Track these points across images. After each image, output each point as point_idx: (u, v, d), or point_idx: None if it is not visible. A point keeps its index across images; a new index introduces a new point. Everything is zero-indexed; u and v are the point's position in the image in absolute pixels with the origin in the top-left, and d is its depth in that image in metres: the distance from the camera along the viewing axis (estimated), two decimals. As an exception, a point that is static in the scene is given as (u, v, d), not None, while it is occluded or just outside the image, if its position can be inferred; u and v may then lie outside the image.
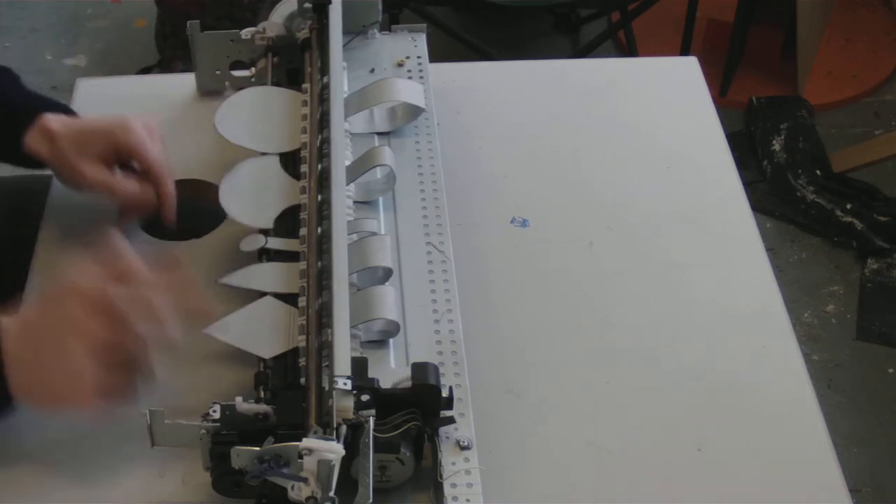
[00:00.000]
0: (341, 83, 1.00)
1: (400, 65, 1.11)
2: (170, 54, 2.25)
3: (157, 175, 0.96)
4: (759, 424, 0.89)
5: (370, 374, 0.79)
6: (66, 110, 1.01)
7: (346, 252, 0.86)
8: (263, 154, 0.99)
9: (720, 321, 0.97)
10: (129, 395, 0.82)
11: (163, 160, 0.97)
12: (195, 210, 1.03)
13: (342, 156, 0.94)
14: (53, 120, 0.97)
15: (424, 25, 1.16)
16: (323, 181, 0.93)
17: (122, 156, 0.97)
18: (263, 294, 0.88)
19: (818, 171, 2.25)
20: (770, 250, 2.06)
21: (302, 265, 0.88)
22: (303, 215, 0.92)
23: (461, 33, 2.22)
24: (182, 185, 1.04)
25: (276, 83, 1.06)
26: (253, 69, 1.09)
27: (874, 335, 1.99)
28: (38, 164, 0.99)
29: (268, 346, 0.85)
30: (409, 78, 1.09)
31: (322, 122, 0.97)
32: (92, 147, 0.96)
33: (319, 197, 0.92)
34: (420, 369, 0.79)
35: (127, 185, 0.96)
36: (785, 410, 0.90)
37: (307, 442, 0.72)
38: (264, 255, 0.91)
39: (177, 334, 0.82)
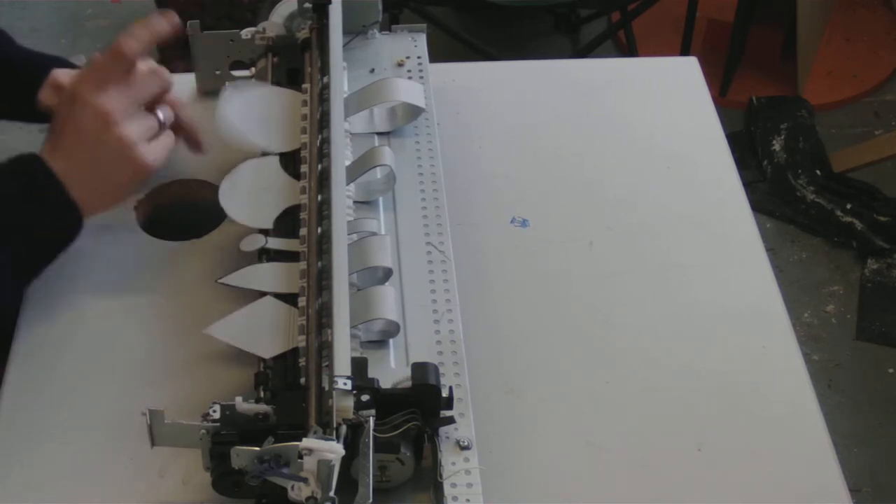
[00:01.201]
0: (341, 83, 1.00)
1: (400, 65, 1.11)
2: (170, 54, 2.25)
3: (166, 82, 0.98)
4: (759, 424, 0.89)
5: (370, 374, 0.79)
6: (71, 65, 1.04)
7: (346, 252, 0.86)
8: (263, 154, 0.99)
9: (720, 321, 0.97)
10: (169, 134, 0.95)
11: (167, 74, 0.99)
12: (195, 210, 1.03)
13: (342, 156, 0.94)
14: (63, 74, 1.02)
15: (424, 25, 1.16)
16: (323, 181, 0.93)
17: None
18: (263, 294, 0.88)
19: (818, 171, 2.25)
20: (770, 250, 2.06)
21: (302, 265, 0.88)
22: (303, 215, 0.92)
23: (461, 33, 2.23)
24: (182, 185, 1.04)
25: (276, 83, 1.06)
26: (253, 69, 1.09)
27: (874, 335, 1.99)
28: (50, 118, 1.00)
29: (268, 346, 0.85)
30: (409, 78, 1.09)
31: (322, 122, 0.97)
32: None
33: (319, 197, 0.92)
34: (420, 369, 0.79)
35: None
36: (785, 410, 0.90)
37: (307, 442, 0.72)
38: (264, 255, 0.91)
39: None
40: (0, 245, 0.88)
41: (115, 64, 0.92)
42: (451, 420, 0.80)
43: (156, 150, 0.93)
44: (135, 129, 0.92)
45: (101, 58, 0.92)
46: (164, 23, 0.94)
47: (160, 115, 0.95)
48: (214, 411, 0.76)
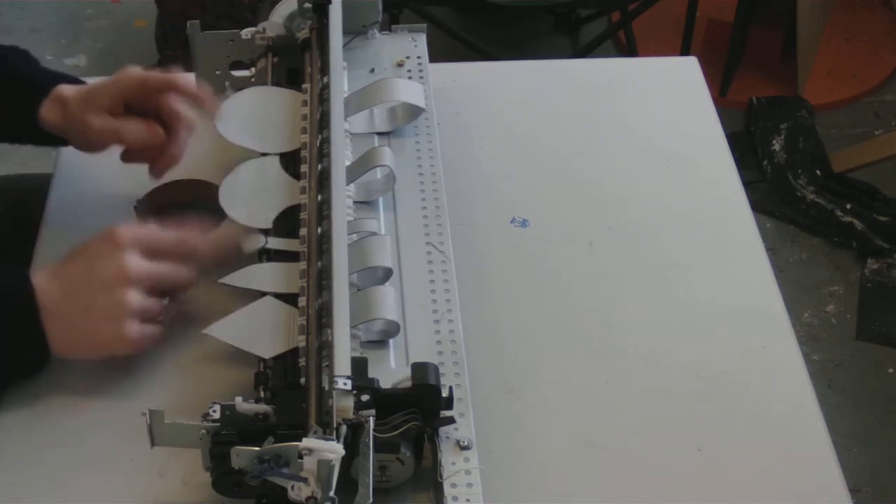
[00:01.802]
0: (341, 83, 1.00)
1: (400, 65, 1.11)
2: (170, 54, 2.25)
3: (165, 85, 0.97)
4: (759, 424, 0.89)
5: (370, 374, 0.79)
6: (79, 82, 1.02)
7: (346, 252, 0.86)
8: (263, 154, 0.99)
9: (720, 321, 0.97)
10: (161, 327, 0.89)
11: (171, 76, 0.97)
12: (195, 210, 1.03)
13: (342, 156, 0.94)
14: (66, 88, 0.99)
15: (424, 25, 1.16)
16: (323, 181, 0.93)
17: (130, 102, 0.98)
18: (263, 294, 0.88)
19: (818, 171, 2.25)
20: (770, 250, 2.05)
21: (302, 265, 0.88)
22: (303, 215, 0.92)
23: (461, 33, 2.22)
24: (182, 185, 1.04)
25: (276, 83, 1.06)
26: (253, 69, 1.09)
27: (874, 335, 1.99)
28: (56, 140, 1.00)
29: (268, 346, 0.85)
30: (409, 78, 1.09)
31: (322, 122, 0.97)
32: (97, 100, 0.97)
33: (319, 197, 0.92)
34: (420, 369, 0.79)
35: (132, 125, 0.97)
36: (785, 410, 0.90)
37: (307, 442, 0.72)
38: (264, 255, 0.91)
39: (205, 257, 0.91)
40: None
41: (173, 246, 0.90)
42: (451, 420, 0.80)
43: (144, 332, 0.87)
44: (140, 301, 0.86)
45: (168, 234, 0.89)
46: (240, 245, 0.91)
47: (164, 302, 0.90)
48: (214, 411, 0.76)
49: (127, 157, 0.99)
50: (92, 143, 0.99)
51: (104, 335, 0.86)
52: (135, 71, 0.98)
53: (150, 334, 0.88)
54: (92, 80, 1.13)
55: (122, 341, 0.86)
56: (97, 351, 0.87)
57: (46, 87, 0.99)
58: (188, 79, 0.99)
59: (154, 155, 0.98)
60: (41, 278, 0.86)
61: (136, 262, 0.86)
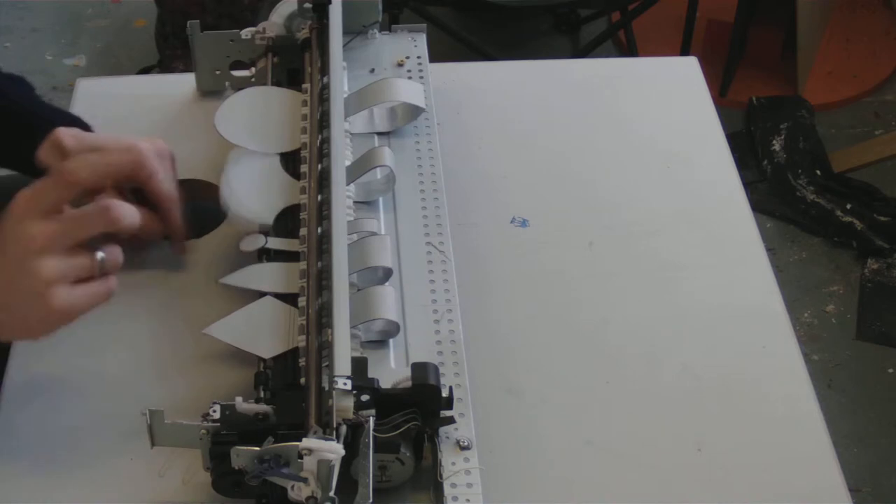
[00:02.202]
0: (341, 83, 1.00)
1: (400, 65, 1.11)
2: (170, 54, 2.25)
3: (165, 206, 0.94)
4: (759, 424, 0.89)
5: (370, 374, 0.79)
6: (80, 123, 1.00)
7: (346, 252, 0.86)
8: (263, 154, 0.99)
9: (720, 321, 0.97)
10: (106, 282, 0.83)
11: (172, 190, 0.94)
12: (195, 210, 1.03)
13: (342, 156, 0.94)
14: (66, 135, 0.93)
15: (424, 25, 1.15)
16: (323, 181, 0.93)
17: (132, 181, 0.94)
18: (263, 294, 0.88)
19: (818, 171, 2.25)
20: (770, 250, 2.06)
21: (302, 265, 0.88)
22: (303, 215, 0.92)
23: (461, 33, 2.23)
24: (182, 185, 1.04)
25: (276, 83, 1.06)
26: (253, 69, 1.09)
27: (874, 335, 1.99)
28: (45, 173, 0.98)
29: (268, 346, 0.85)
30: (409, 78, 1.09)
31: (322, 122, 0.97)
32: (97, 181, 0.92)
33: (319, 197, 0.92)
34: (420, 369, 0.79)
35: (128, 211, 0.91)
36: (785, 410, 0.90)
37: (307, 442, 0.72)
38: (264, 255, 0.91)
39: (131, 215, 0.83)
40: None
41: (57, 189, 0.82)
42: (451, 420, 0.80)
43: (76, 296, 0.81)
44: (56, 266, 0.79)
45: (45, 181, 0.82)
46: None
47: (98, 255, 0.83)
48: (214, 411, 0.76)
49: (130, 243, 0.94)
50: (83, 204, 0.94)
51: (34, 313, 0.80)
52: (136, 155, 0.92)
53: (93, 292, 0.82)
54: (82, 83, 1.13)
55: (55, 314, 0.80)
56: (36, 331, 0.82)
57: (46, 127, 0.94)
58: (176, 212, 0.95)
59: (149, 239, 0.96)
60: None
61: (37, 228, 0.79)
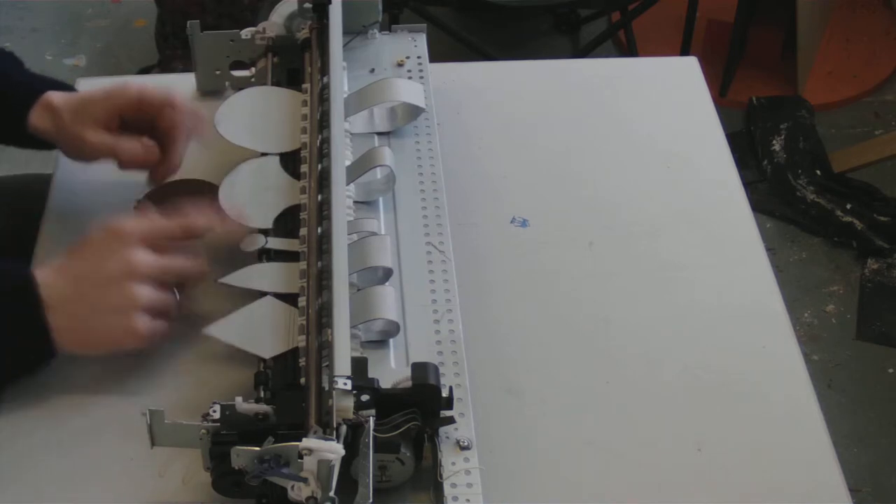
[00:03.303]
0: (341, 83, 1.00)
1: (400, 65, 1.11)
2: (170, 54, 2.25)
3: (164, 103, 0.97)
4: (759, 424, 0.89)
5: (370, 374, 0.79)
6: (69, 88, 1.02)
7: (346, 252, 0.86)
8: (263, 154, 0.99)
9: (720, 321, 0.97)
10: (171, 320, 0.88)
11: (165, 94, 0.97)
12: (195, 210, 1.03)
13: (342, 156, 0.94)
14: (55, 95, 0.98)
15: (424, 25, 1.16)
16: (323, 181, 0.93)
17: (126, 116, 0.97)
18: (263, 294, 0.88)
19: (818, 171, 2.25)
20: (770, 250, 2.06)
21: (302, 265, 0.88)
22: (303, 215, 0.92)
23: (461, 33, 2.22)
24: (182, 185, 1.04)
25: (276, 83, 1.06)
26: (253, 69, 1.09)
27: (874, 335, 1.99)
28: (44, 145, 1.00)
29: (268, 346, 0.85)
30: (409, 78, 1.09)
31: (322, 122, 0.97)
32: (92, 113, 0.97)
33: (319, 197, 0.92)
34: (420, 369, 0.79)
35: (129, 143, 0.97)
36: (785, 410, 0.90)
37: (307, 442, 0.72)
38: (264, 255, 0.91)
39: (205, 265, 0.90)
40: None
41: (176, 233, 0.89)
42: (451, 420, 0.80)
43: (152, 325, 0.86)
44: (149, 295, 0.86)
45: (169, 221, 0.89)
46: (240, 233, 0.91)
47: (176, 295, 0.90)
48: (214, 411, 0.76)
49: (123, 167, 0.99)
50: (84, 155, 0.98)
51: (114, 330, 0.85)
52: (132, 86, 0.98)
53: (160, 329, 0.87)
54: (82, 83, 1.14)
55: (132, 335, 0.85)
56: (106, 345, 0.87)
57: (35, 93, 0.98)
58: (185, 99, 0.99)
59: (149, 165, 0.99)
60: (45, 274, 0.86)
61: (143, 257, 0.86)
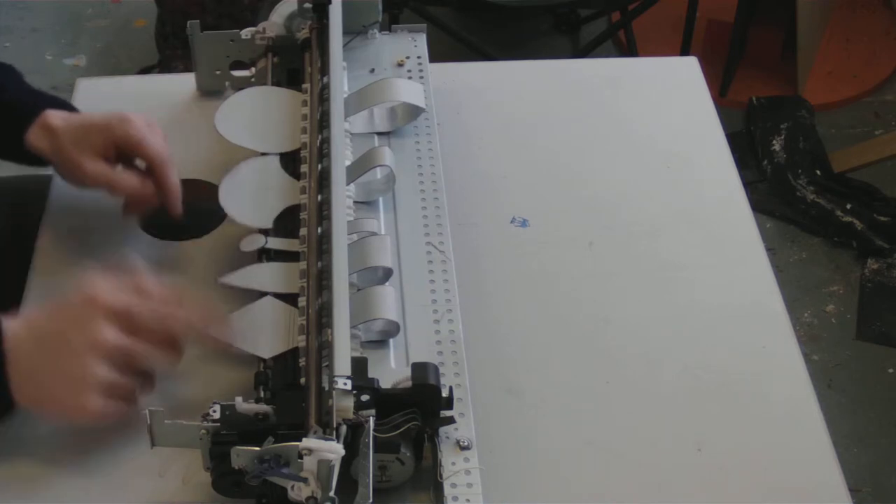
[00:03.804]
0: (341, 83, 1.00)
1: (400, 65, 1.11)
2: (170, 54, 2.25)
3: (158, 166, 0.96)
4: (759, 424, 0.89)
5: (370, 374, 0.79)
6: (69, 107, 1.01)
7: (346, 252, 0.86)
8: (263, 154, 0.99)
9: (720, 321, 0.97)
10: (131, 405, 0.83)
11: (164, 151, 0.96)
12: (195, 210, 1.03)
13: (342, 156, 0.94)
14: (54, 116, 0.97)
15: (424, 25, 1.16)
16: (323, 181, 0.93)
17: (123, 150, 0.96)
18: (263, 294, 0.88)
19: (818, 171, 2.25)
20: (770, 250, 2.06)
21: (302, 265, 0.88)
22: (303, 215, 0.92)
23: (461, 33, 2.22)
24: (182, 185, 1.04)
25: (276, 83, 1.06)
26: (253, 69, 1.09)
27: (874, 335, 1.99)
28: (40, 161, 0.99)
29: (268, 346, 0.85)
30: (409, 78, 1.09)
31: (322, 122, 0.97)
32: (92, 142, 0.96)
33: (319, 197, 0.92)
34: (420, 369, 0.79)
35: (127, 178, 0.96)
36: (785, 410, 0.90)
37: (307, 442, 0.72)
38: (264, 255, 0.91)
39: (180, 355, 0.85)
40: None
41: (156, 324, 0.83)
42: (451, 420, 0.80)
43: (105, 406, 0.82)
44: (105, 375, 0.81)
45: (152, 309, 0.83)
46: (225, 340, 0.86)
47: (138, 386, 0.85)
48: (214, 411, 0.76)
49: (116, 196, 0.97)
50: (79, 181, 0.97)
51: (65, 402, 0.82)
52: (132, 122, 0.96)
53: (116, 411, 0.82)
54: (82, 83, 1.14)
55: (82, 412, 0.81)
56: (57, 414, 0.84)
57: (34, 111, 0.97)
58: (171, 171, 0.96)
59: (142, 201, 0.97)
60: (15, 325, 0.82)
61: (111, 335, 0.81)
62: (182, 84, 1.14)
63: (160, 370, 0.85)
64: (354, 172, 0.96)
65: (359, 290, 0.88)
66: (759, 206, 2.18)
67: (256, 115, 1.01)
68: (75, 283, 0.84)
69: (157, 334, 0.83)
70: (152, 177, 0.96)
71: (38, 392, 0.82)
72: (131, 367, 0.83)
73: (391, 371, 0.84)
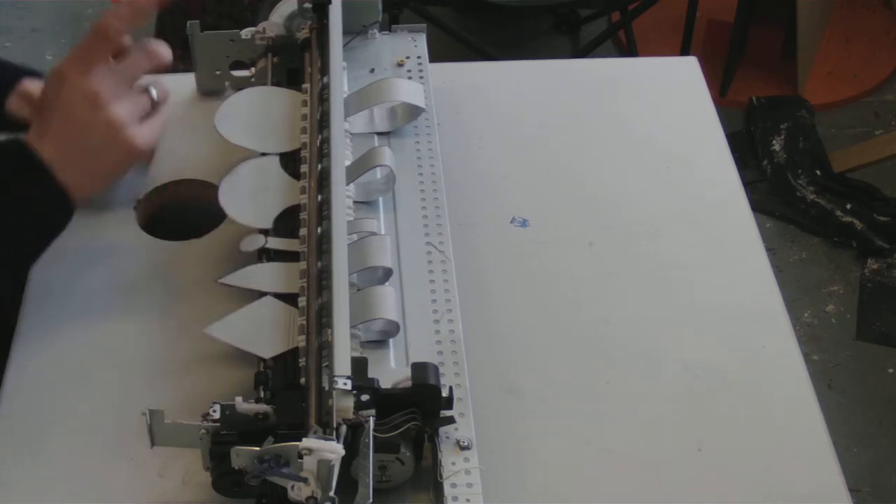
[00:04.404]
0: (341, 83, 1.00)
1: (400, 65, 1.11)
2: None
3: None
4: (759, 424, 0.89)
5: (370, 374, 0.79)
6: (39, 76, 1.02)
7: (346, 252, 0.86)
8: (263, 154, 0.99)
9: (720, 321, 0.97)
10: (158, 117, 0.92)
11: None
12: (195, 210, 1.03)
13: (342, 156, 0.94)
14: (33, 84, 1.00)
15: (424, 25, 1.15)
16: (323, 181, 0.93)
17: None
18: (263, 294, 0.88)
19: (818, 171, 2.25)
20: (770, 250, 2.06)
21: (302, 265, 0.88)
22: (303, 215, 0.92)
23: (461, 33, 2.22)
24: (182, 185, 1.04)
25: (276, 83, 1.06)
26: (253, 69, 1.09)
27: (874, 335, 1.99)
28: (18, 127, 1.00)
29: (268, 346, 0.85)
30: (409, 78, 1.09)
31: (322, 122, 0.97)
32: None
33: (319, 197, 0.92)
34: (420, 369, 0.79)
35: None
36: (785, 410, 0.90)
37: (307, 442, 0.72)
38: (264, 255, 0.91)
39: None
40: None
41: (100, 44, 0.90)
42: (451, 420, 0.80)
43: (147, 131, 0.91)
44: (125, 109, 0.90)
45: (86, 39, 0.90)
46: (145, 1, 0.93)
47: (152, 92, 0.93)
48: (214, 411, 0.76)
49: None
50: None
51: (116, 156, 0.90)
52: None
53: (155, 128, 0.91)
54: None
55: (135, 150, 0.90)
56: (117, 173, 0.92)
57: (10, 81, 1.00)
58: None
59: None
60: (33, 140, 0.89)
61: (99, 79, 0.88)
62: (182, 84, 1.14)
63: (161, 67, 0.93)
64: (354, 172, 0.96)
65: (359, 290, 0.88)
66: (759, 206, 2.19)
67: (256, 115, 1.01)
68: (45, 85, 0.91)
69: (113, 46, 0.90)
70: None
71: (91, 175, 0.90)
72: (131, 86, 0.91)
73: (391, 371, 0.84)
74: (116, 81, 0.90)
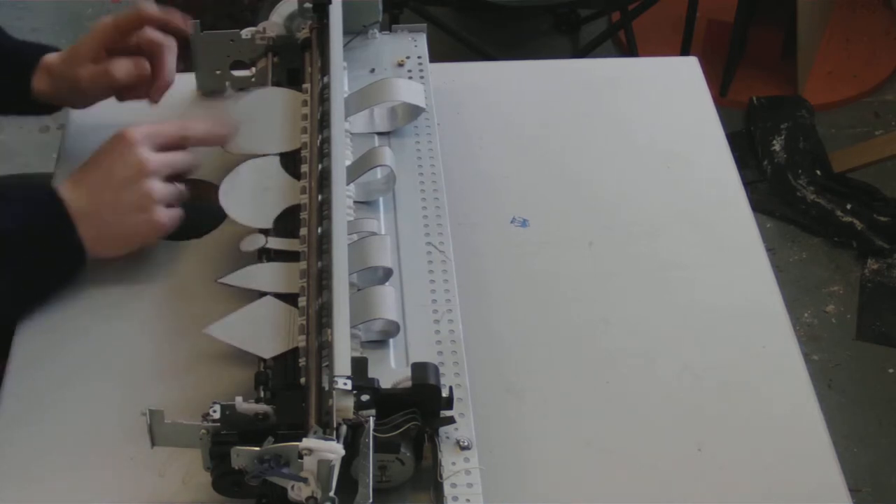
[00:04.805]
0: (341, 83, 1.00)
1: (400, 65, 1.11)
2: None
3: (154, 47, 1.00)
4: (759, 424, 0.89)
5: (370, 374, 0.79)
6: (56, 50, 1.05)
7: (346, 252, 0.86)
8: (263, 154, 0.99)
9: (720, 321, 0.97)
10: (179, 215, 0.95)
11: (158, 36, 1.01)
12: (195, 210, 1.03)
13: (342, 156, 0.94)
14: (50, 57, 1.03)
15: (425, 25, 1.16)
16: (323, 181, 0.93)
17: (110, 47, 1.00)
18: (263, 294, 0.88)
19: (818, 171, 2.25)
20: (770, 250, 2.06)
21: (302, 265, 0.88)
22: (303, 215, 0.92)
23: (461, 33, 2.22)
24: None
25: (276, 83, 1.06)
26: (253, 69, 1.09)
27: (874, 335, 1.99)
28: (44, 108, 1.05)
29: (268, 346, 0.85)
30: (409, 78, 1.09)
31: (322, 122, 0.97)
32: (81, 54, 1.00)
33: (319, 197, 0.92)
34: (420, 369, 0.79)
35: (119, 62, 1.00)
36: (785, 410, 0.90)
37: (307, 442, 0.72)
38: (264, 255, 0.91)
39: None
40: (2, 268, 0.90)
41: (177, 134, 0.96)
42: (451, 420, 0.80)
43: (170, 215, 0.94)
44: (160, 189, 0.93)
45: (170, 124, 0.96)
46: (226, 135, 0.99)
47: (180, 188, 0.97)
48: (214, 411, 0.76)
49: (121, 96, 1.03)
50: (85, 95, 1.03)
51: (139, 226, 0.93)
52: (106, 19, 1.01)
53: (176, 216, 0.94)
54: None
55: (155, 227, 0.93)
56: (134, 242, 0.95)
57: (34, 59, 1.02)
58: (153, 8, 1.02)
59: (146, 88, 1.02)
60: (68, 189, 0.92)
61: (151, 156, 0.93)
62: (182, 84, 1.14)
63: (189, 174, 0.98)
64: (354, 172, 0.96)
65: (359, 290, 0.88)
66: (759, 206, 2.19)
67: (256, 115, 1.01)
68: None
69: (181, 141, 0.96)
70: (145, 53, 1.01)
71: (111, 235, 0.93)
72: (172, 175, 0.95)
73: (391, 371, 0.84)
74: (166, 166, 0.94)
